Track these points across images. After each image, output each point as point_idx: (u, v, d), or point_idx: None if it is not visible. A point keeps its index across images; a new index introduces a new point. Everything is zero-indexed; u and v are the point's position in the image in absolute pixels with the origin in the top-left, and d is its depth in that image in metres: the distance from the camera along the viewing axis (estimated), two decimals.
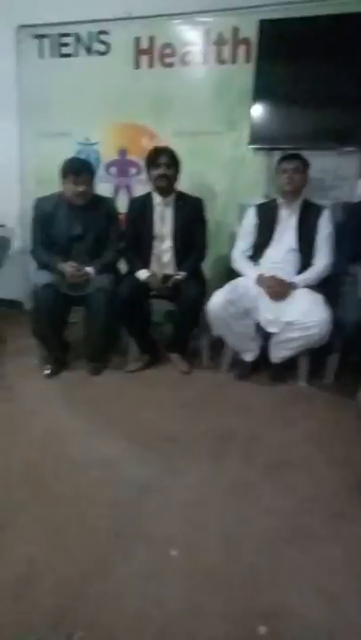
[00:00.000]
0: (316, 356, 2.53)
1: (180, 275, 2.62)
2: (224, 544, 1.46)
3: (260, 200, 2.81)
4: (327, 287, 2.50)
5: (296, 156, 2.53)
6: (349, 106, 2.70)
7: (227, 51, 2.90)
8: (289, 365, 2.57)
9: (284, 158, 2.56)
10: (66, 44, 3.19)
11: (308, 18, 2.64)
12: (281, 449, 1.96)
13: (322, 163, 2.79)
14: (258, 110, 2.84)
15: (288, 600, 1.27)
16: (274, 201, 2.64)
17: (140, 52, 3.07)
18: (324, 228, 2.53)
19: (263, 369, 2.64)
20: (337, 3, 2.59)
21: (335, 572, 1.36)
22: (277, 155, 2.73)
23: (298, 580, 1.33)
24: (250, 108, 2.85)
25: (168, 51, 3.01)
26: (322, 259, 2.52)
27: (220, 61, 2.93)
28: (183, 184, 2.79)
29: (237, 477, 1.78)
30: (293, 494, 1.68)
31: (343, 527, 1.54)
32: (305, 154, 2.61)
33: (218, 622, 1.20)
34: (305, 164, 2.53)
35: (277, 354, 2.52)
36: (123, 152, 3.28)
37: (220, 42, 2.90)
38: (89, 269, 2.56)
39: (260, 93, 2.81)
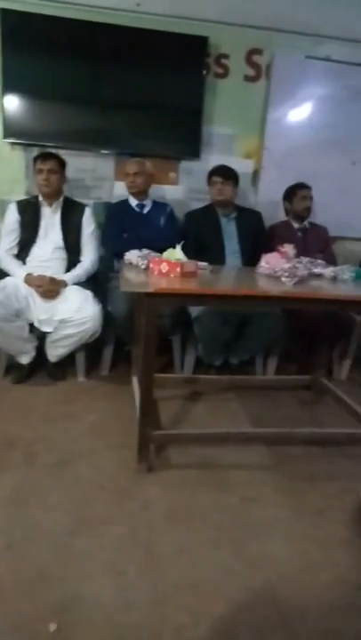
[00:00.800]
0: (92, 350, 2.62)
1: None
2: (9, 554, 1.39)
3: (22, 196, 2.73)
4: (95, 283, 2.62)
5: (51, 156, 2.53)
6: (105, 110, 2.85)
7: None
8: (67, 362, 2.60)
9: (39, 157, 2.53)
10: None
11: (59, 18, 2.67)
12: (64, 446, 1.98)
13: (80, 163, 2.89)
14: (10, 102, 2.74)
15: (80, 589, 1.30)
16: (35, 198, 2.60)
17: None
18: (88, 226, 2.63)
19: (42, 369, 2.60)
20: (83, 9, 2.70)
21: (121, 549, 1.45)
22: (36, 151, 2.69)
23: (87, 567, 1.37)
24: (0, 99, 2.72)
25: None
26: (88, 255, 2.61)
27: None
28: None
29: (21, 483, 1.72)
30: (78, 486, 1.72)
31: (125, 505, 1.65)
32: (63, 153, 2.65)
33: (5, 635, 1.16)
34: (61, 164, 2.55)
35: (54, 352, 2.51)
36: None
37: None
38: None
39: (10, 85, 2.72)
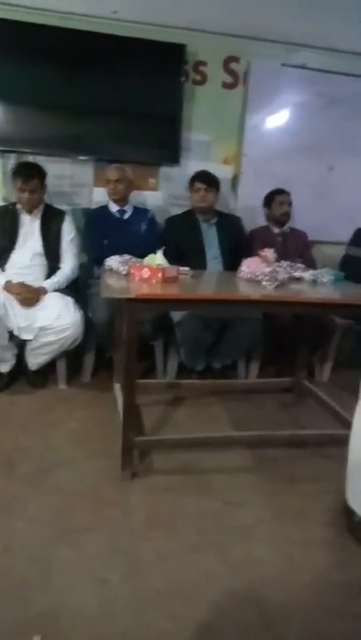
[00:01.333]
0: (72, 357, 2.60)
1: None
2: None
3: (0, 203, 2.70)
4: (76, 290, 2.60)
5: (33, 175, 2.42)
6: (83, 117, 2.84)
7: None
8: (48, 370, 2.58)
9: (19, 173, 2.42)
10: None
11: (36, 25, 2.65)
12: (44, 454, 1.96)
13: (58, 169, 2.87)
14: None
15: (63, 599, 1.28)
16: (14, 205, 2.57)
17: None
18: (68, 233, 2.60)
19: (21, 377, 2.57)
20: (60, 16, 2.69)
21: (103, 556, 1.44)
22: (14, 157, 2.66)
23: (70, 577, 1.36)
24: None
25: None
26: (68, 262, 2.59)
27: None
28: None
29: (1, 493, 1.69)
30: (59, 495, 1.70)
31: (107, 512, 1.64)
32: (40, 159, 2.63)
33: None
34: (42, 180, 2.49)
35: (35, 360, 2.48)
36: None
37: None
38: None
39: None
